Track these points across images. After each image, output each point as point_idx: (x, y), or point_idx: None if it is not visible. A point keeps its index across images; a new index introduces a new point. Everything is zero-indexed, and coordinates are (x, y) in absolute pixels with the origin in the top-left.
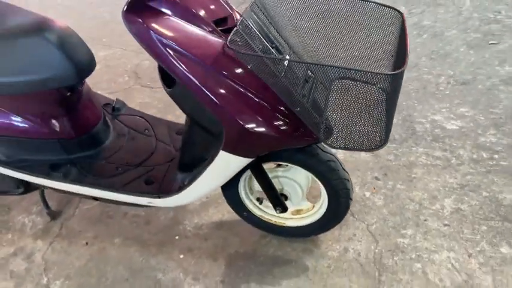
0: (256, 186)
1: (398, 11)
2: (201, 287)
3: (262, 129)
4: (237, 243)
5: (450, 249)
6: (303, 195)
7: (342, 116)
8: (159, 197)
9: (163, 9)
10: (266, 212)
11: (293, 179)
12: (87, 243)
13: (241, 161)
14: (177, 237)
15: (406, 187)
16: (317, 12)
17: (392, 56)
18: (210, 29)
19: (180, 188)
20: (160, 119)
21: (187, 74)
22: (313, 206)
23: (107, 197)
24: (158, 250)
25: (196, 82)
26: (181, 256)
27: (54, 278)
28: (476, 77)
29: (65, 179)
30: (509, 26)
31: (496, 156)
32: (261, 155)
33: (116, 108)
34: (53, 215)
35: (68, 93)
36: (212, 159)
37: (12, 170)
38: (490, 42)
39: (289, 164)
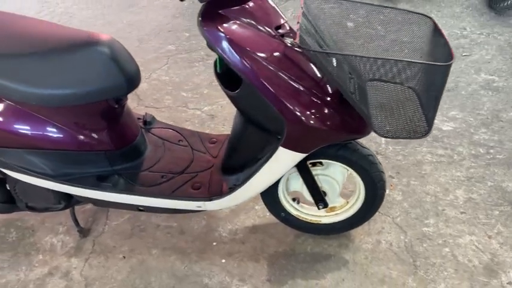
0: (292, 186)
1: (428, 16)
2: (248, 287)
3: (321, 124)
4: (275, 244)
5: (471, 233)
6: (339, 192)
7: (384, 110)
8: (210, 200)
9: (232, 16)
10: (302, 211)
11: (330, 176)
12: (124, 257)
13: (297, 157)
14: (214, 244)
15: (420, 183)
16: (357, 15)
17: (421, 56)
18: (272, 34)
19: (232, 189)
20: (191, 130)
21: (256, 74)
22: (347, 202)
23: (155, 204)
24: (199, 257)
25: (264, 82)
26: (223, 260)
27: None
28: (458, 84)
29: (114, 189)
30: (475, 40)
31: (491, 151)
32: (314, 150)
33: (147, 122)
34: (84, 233)
35: (116, 105)
36: (270, 157)
37: (59, 183)
38: (463, 54)
39: (328, 161)
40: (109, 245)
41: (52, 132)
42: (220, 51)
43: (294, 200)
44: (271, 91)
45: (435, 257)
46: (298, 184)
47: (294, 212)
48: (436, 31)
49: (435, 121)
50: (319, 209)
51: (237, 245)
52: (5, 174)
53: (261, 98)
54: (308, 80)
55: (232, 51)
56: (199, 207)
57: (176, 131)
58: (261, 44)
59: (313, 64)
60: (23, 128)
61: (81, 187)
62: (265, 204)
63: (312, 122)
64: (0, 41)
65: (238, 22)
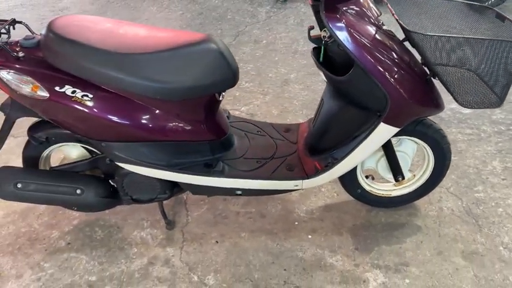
0: (367, 164)
1: (489, 7)
2: (340, 256)
3: (417, 100)
4: (351, 219)
5: None
6: (410, 165)
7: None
8: (308, 178)
9: (347, 9)
10: (374, 187)
11: (403, 151)
12: (217, 242)
13: (393, 131)
14: (296, 223)
15: (459, 158)
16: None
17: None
18: (376, 23)
19: (328, 166)
20: (263, 122)
21: (368, 58)
22: (414, 175)
23: (256, 187)
24: (286, 235)
25: (375, 64)
26: (310, 236)
27: (203, 275)
28: None
29: (222, 174)
30: None
31: (511, 127)
32: (406, 124)
33: (227, 116)
34: (171, 225)
35: (220, 98)
36: (370, 133)
37: (174, 172)
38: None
39: (402, 137)
40: (198, 233)
41: (168, 124)
42: (339, 38)
43: (366, 177)
44: (381, 72)
45: (493, 217)
46: (373, 161)
47: (367, 188)
48: (499, 17)
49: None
50: (397, 181)
51: (317, 222)
52: (113, 170)
53: (370, 79)
54: (405, 62)
55: (349, 38)
56: (297, 185)
57: (251, 123)
58: (370, 32)
59: (403, 49)
60: (143, 122)
61: (193, 174)
62: (342, 183)
63: (411, 98)
64: (119, 42)
65: (352, 14)
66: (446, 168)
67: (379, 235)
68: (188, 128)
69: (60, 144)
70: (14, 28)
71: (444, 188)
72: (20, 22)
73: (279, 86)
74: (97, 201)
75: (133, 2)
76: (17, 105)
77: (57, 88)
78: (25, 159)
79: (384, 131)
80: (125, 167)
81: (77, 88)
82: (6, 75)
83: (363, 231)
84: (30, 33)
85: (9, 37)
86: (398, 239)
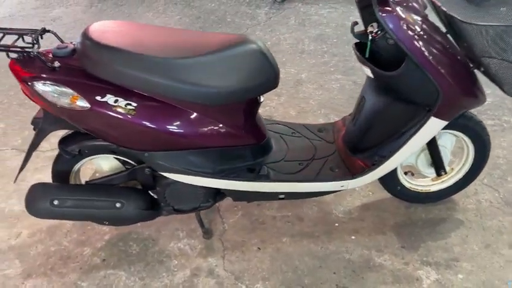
0: (407, 160)
1: None
2: (388, 256)
3: (467, 93)
4: (391, 217)
5: None
6: (449, 159)
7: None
8: (353, 178)
9: (399, 3)
10: (413, 183)
11: (443, 145)
12: (259, 248)
13: (441, 125)
14: (336, 224)
15: None
16: None
17: None
18: (425, 16)
19: (376, 164)
20: (295, 123)
21: (422, 51)
22: (452, 169)
23: (300, 190)
24: (329, 237)
25: (428, 58)
26: (353, 237)
27: (252, 283)
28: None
29: (268, 179)
30: None
31: None
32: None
33: None
34: (209, 233)
35: (261, 100)
36: (420, 128)
37: (219, 179)
38: None
39: (441, 131)
40: (238, 241)
41: (213, 130)
42: (394, 32)
43: (405, 173)
44: (433, 65)
45: None
46: (412, 157)
47: (407, 185)
48: None
49: None
50: (439, 176)
51: (358, 222)
52: (153, 181)
53: (423, 73)
54: (453, 54)
55: (403, 32)
56: (343, 186)
57: (284, 125)
58: (421, 25)
59: (449, 41)
60: (189, 129)
61: (239, 180)
62: (382, 181)
63: (462, 91)
64: (160, 47)
65: (403, 7)
66: (486, 160)
67: (423, 232)
68: (232, 132)
69: (93, 156)
70: (41, 38)
71: (478, 180)
72: (48, 31)
73: (292, 87)
74: (138, 214)
75: (128, 9)
76: (51, 118)
77: (98, 98)
78: (55, 174)
79: (433, 126)
80: (169, 177)
81: (119, 97)
82: (42, 87)
83: (406, 229)
84: (60, 42)
85: (39, 47)
86: (442, 235)
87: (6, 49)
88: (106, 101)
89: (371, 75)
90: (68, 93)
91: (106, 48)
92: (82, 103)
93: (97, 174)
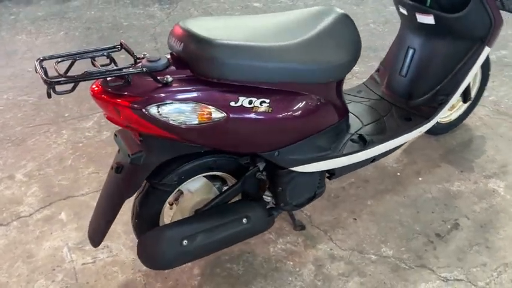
0: None
1: None
2: (457, 183)
3: (502, 21)
4: (432, 152)
5: None
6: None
7: None
8: (429, 120)
9: None
10: None
11: None
12: (355, 219)
13: (488, 52)
14: (398, 174)
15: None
16: None
17: None
18: None
19: (443, 102)
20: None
21: None
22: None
23: (390, 147)
24: (402, 187)
25: None
26: (420, 178)
27: (376, 250)
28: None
29: (375, 144)
30: None
31: None
32: None
33: None
34: (302, 225)
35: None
36: (477, 58)
37: (339, 157)
38: None
39: None
40: (330, 220)
41: (328, 109)
42: None
43: None
44: (492, 0)
45: None
46: None
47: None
48: None
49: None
50: (466, 102)
51: (413, 165)
52: (273, 181)
53: (484, 8)
54: None
55: None
56: (421, 131)
57: None
58: None
59: None
60: (314, 113)
61: (353, 153)
62: None
63: (501, 21)
64: (269, 35)
65: None
66: (487, 81)
67: (464, 154)
68: (338, 107)
69: (187, 181)
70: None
71: None
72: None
73: None
74: (265, 222)
75: None
76: (160, 146)
77: (232, 103)
78: (145, 217)
79: (485, 53)
80: (297, 170)
81: (251, 97)
82: (165, 108)
83: (451, 156)
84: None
85: (116, 64)
86: (479, 151)
87: (103, 74)
88: (241, 105)
89: (432, 21)
90: (195, 109)
91: (227, 46)
92: (217, 114)
93: (196, 199)
